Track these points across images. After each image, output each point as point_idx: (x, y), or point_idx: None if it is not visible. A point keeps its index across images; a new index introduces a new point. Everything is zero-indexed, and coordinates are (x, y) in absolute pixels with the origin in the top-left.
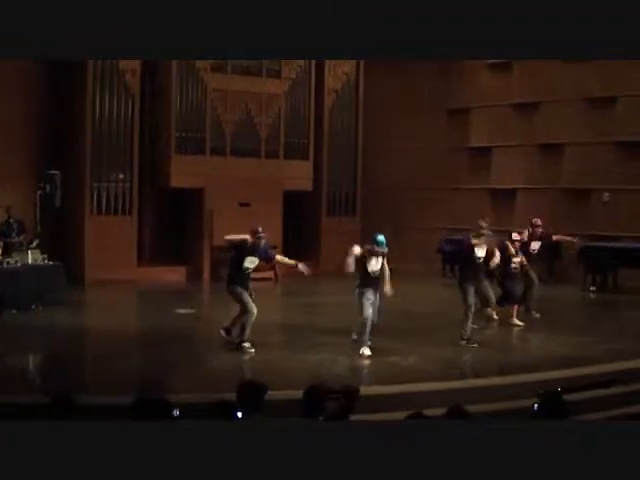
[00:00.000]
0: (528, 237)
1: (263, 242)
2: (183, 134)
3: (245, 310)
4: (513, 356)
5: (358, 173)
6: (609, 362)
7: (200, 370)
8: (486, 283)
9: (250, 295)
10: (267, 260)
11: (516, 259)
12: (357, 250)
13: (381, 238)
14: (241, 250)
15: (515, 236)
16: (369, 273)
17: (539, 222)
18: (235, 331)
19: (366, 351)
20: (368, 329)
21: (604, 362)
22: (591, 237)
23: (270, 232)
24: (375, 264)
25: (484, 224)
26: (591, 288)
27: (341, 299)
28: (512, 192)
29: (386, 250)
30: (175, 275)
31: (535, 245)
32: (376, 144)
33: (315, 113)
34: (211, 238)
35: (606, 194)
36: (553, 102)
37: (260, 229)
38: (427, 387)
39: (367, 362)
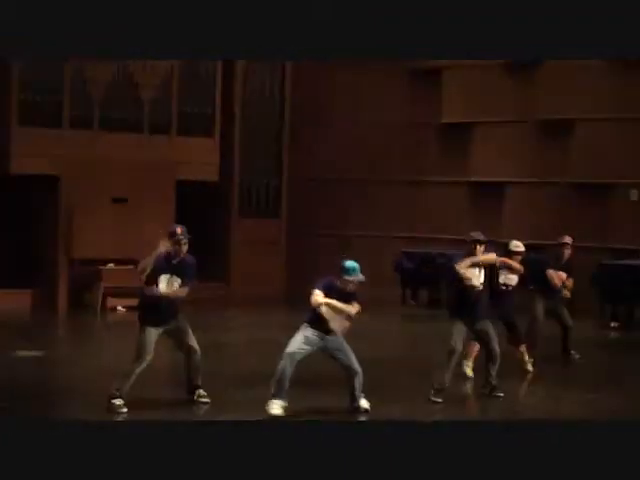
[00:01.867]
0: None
1: (186, 248)
2: (30, 97)
3: (136, 357)
4: (508, 417)
5: (284, 158)
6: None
7: None
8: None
9: (177, 334)
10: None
11: (512, 276)
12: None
13: (351, 264)
14: (153, 268)
15: (516, 246)
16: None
17: (569, 240)
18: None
19: (275, 409)
20: (285, 371)
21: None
22: (611, 252)
23: (157, 241)
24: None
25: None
26: (612, 324)
27: (258, 335)
28: (499, 186)
29: (362, 278)
30: (16, 302)
31: (562, 276)
32: (310, 118)
33: (223, 73)
34: (70, 248)
35: (634, 191)
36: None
37: (179, 229)
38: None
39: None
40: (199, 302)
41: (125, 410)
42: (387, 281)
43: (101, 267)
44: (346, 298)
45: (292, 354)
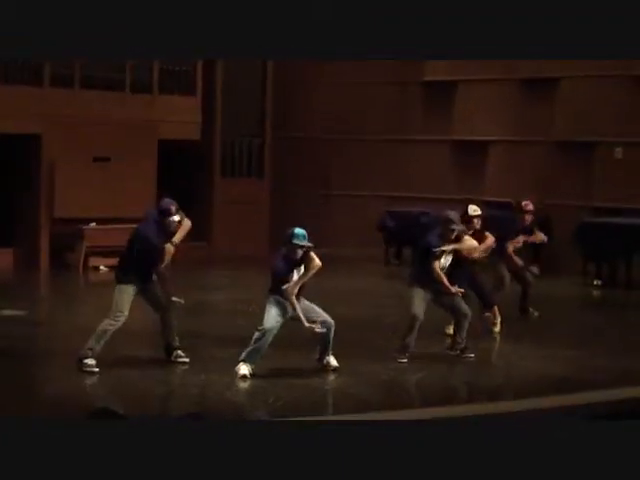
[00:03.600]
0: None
1: (174, 226)
2: (9, 54)
3: (111, 317)
4: (484, 377)
5: (267, 116)
6: (617, 386)
7: (34, 395)
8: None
9: (151, 294)
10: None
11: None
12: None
13: (300, 230)
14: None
15: (475, 210)
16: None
17: (531, 207)
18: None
19: (243, 369)
20: (263, 344)
21: (610, 385)
22: (593, 210)
23: (140, 200)
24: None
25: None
26: (595, 282)
27: (237, 295)
28: (483, 145)
29: (311, 244)
30: None
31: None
32: (294, 76)
33: None
34: (52, 207)
35: (618, 149)
36: None
37: (174, 207)
38: (360, 419)
39: (279, 385)
40: (181, 262)
41: (97, 370)
42: (370, 240)
43: (83, 226)
44: (301, 263)
45: (270, 330)
